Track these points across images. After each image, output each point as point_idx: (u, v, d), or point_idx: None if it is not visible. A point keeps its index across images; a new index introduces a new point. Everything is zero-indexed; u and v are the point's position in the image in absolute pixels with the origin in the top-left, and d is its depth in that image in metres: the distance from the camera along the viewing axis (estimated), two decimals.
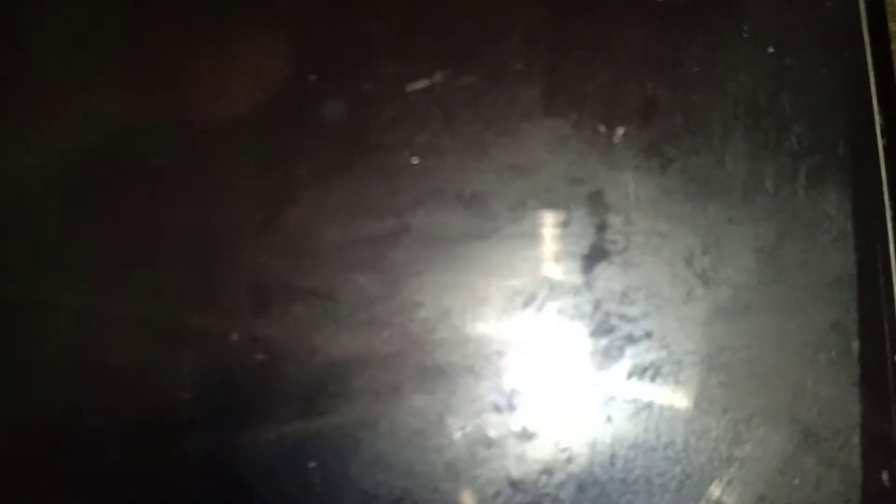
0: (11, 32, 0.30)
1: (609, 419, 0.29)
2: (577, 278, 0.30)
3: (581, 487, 0.29)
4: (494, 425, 0.29)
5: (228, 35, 0.30)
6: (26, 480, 0.29)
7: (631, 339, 0.30)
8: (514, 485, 0.29)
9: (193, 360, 0.28)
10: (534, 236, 0.30)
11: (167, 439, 0.28)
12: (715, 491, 0.29)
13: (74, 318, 0.29)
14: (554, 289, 0.30)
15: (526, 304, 0.30)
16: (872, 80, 0.32)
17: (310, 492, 0.28)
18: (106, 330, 0.29)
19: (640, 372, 0.30)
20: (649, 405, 0.29)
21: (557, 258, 0.30)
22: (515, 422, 0.29)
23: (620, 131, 0.31)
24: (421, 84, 0.30)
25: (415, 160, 0.30)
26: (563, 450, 0.29)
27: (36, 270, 0.29)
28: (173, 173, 0.29)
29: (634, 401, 0.29)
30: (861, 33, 0.32)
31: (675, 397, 0.30)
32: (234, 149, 0.30)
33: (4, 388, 0.29)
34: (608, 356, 0.30)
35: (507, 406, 0.29)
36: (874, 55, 0.32)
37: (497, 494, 0.29)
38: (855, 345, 0.30)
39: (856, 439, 0.30)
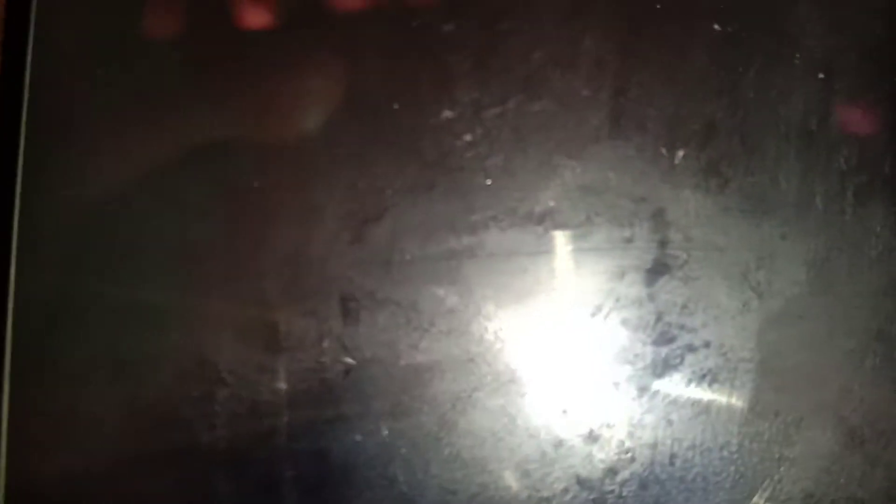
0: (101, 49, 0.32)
1: (669, 422, 0.30)
2: (640, 291, 0.31)
3: (643, 485, 0.30)
4: (562, 427, 0.30)
5: (323, 64, 0.31)
6: (124, 471, 0.30)
7: (690, 348, 0.30)
8: (581, 483, 0.30)
9: (288, 364, 0.30)
10: (600, 251, 0.31)
11: (262, 435, 0.30)
12: (766, 489, 0.30)
13: (183, 323, 0.30)
14: (619, 301, 0.31)
15: (593, 315, 0.31)
16: None
17: (393, 487, 0.29)
18: (211, 334, 0.30)
19: (698, 378, 0.30)
20: (707, 409, 0.30)
21: (622, 272, 0.31)
22: (582, 425, 0.30)
23: (681, 153, 0.31)
24: (495, 110, 0.31)
25: (489, 181, 0.31)
26: (627, 451, 0.30)
27: (150, 278, 0.30)
28: (272, 194, 0.30)
29: (693, 405, 0.30)
30: None
31: (730, 402, 0.30)
32: (326, 171, 0.31)
33: (109, 384, 0.30)
34: (669, 364, 0.30)
35: (574, 410, 0.30)
36: None
37: (565, 491, 0.30)
38: None
39: None
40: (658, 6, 0.32)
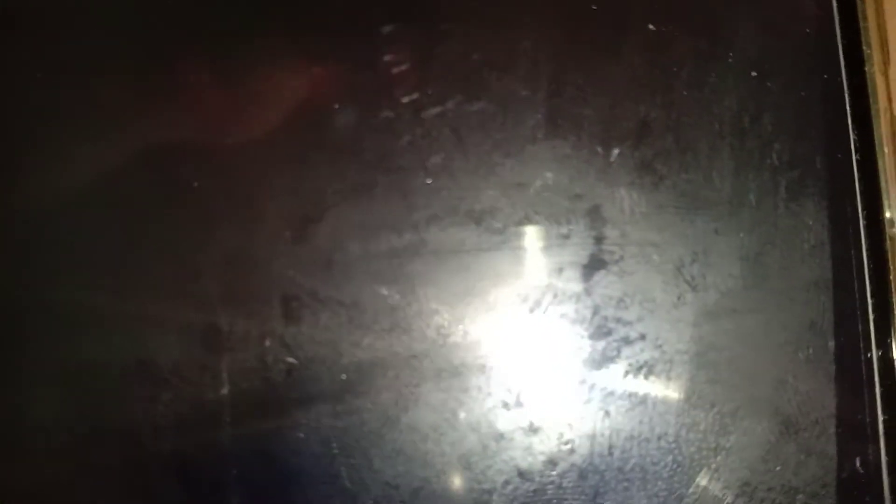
0: (49, 57, 0.32)
1: (607, 414, 0.31)
2: (577, 286, 0.31)
3: (582, 476, 0.30)
4: (503, 420, 0.30)
5: (265, 69, 0.31)
6: (70, 473, 0.30)
7: (627, 341, 0.31)
8: (522, 474, 0.30)
9: (231, 363, 0.30)
10: (538, 248, 0.31)
11: (205, 433, 0.30)
12: (703, 478, 0.31)
13: (124, 325, 0.30)
14: (556, 295, 0.31)
15: (531, 310, 0.31)
16: (847, 100, 0.33)
17: (337, 483, 0.30)
18: (153, 336, 0.30)
19: (635, 371, 0.31)
20: (644, 401, 0.31)
21: (560, 268, 0.31)
22: (522, 417, 0.31)
23: (616, 151, 0.32)
24: (435, 111, 0.31)
25: (429, 180, 0.31)
26: (566, 442, 0.30)
27: (90, 281, 0.30)
28: (213, 194, 0.30)
29: (630, 397, 0.31)
30: (837, 57, 0.33)
31: (667, 393, 0.31)
32: (267, 171, 0.31)
33: (53, 387, 0.30)
34: (606, 356, 0.31)
35: (514, 403, 0.31)
36: (849, 77, 0.33)
37: (506, 483, 0.30)
38: (831, 343, 0.31)
39: (832, 429, 0.31)
40: (593, 7, 0.33)
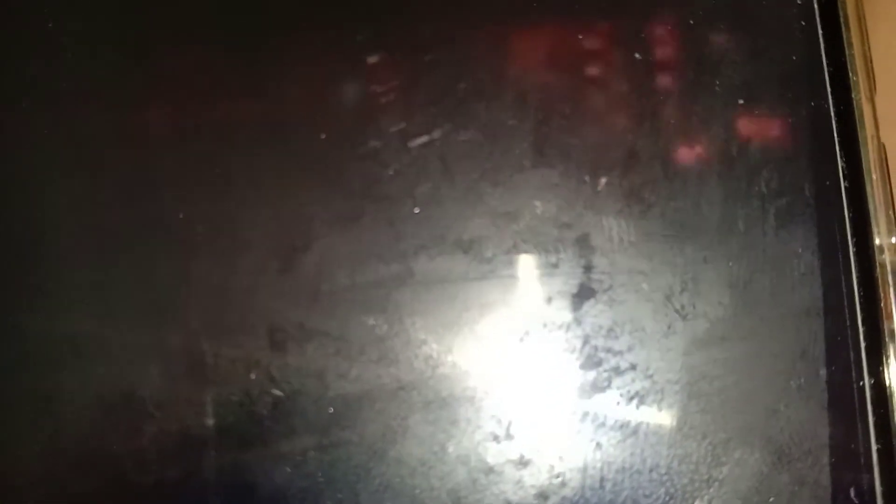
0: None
1: (598, 445, 0.30)
2: (566, 315, 0.31)
3: None
4: (493, 453, 0.30)
5: (251, 99, 0.31)
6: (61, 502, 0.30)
7: (617, 371, 0.31)
8: None
9: (215, 396, 0.30)
10: (526, 277, 0.31)
11: (190, 469, 0.30)
12: None
13: (109, 357, 0.30)
14: (546, 325, 0.31)
15: (520, 340, 0.31)
16: (835, 127, 0.33)
17: None
18: (137, 368, 0.30)
19: (626, 401, 0.31)
20: (635, 431, 0.30)
21: (548, 297, 0.31)
22: (512, 450, 0.30)
23: (604, 180, 0.32)
24: (422, 140, 0.31)
25: (417, 209, 0.31)
26: (557, 475, 0.30)
27: (75, 310, 0.30)
28: (197, 225, 0.30)
29: (621, 428, 0.30)
30: (824, 84, 0.33)
31: (658, 423, 0.31)
32: (253, 202, 0.31)
33: (36, 417, 0.30)
34: (596, 387, 0.31)
35: (504, 435, 0.30)
36: (836, 104, 0.33)
37: None
38: (823, 371, 0.31)
39: (825, 459, 0.31)
40: (580, 37, 0.33)
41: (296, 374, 0.30)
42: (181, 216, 0.30)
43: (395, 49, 0.32)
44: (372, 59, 0.32)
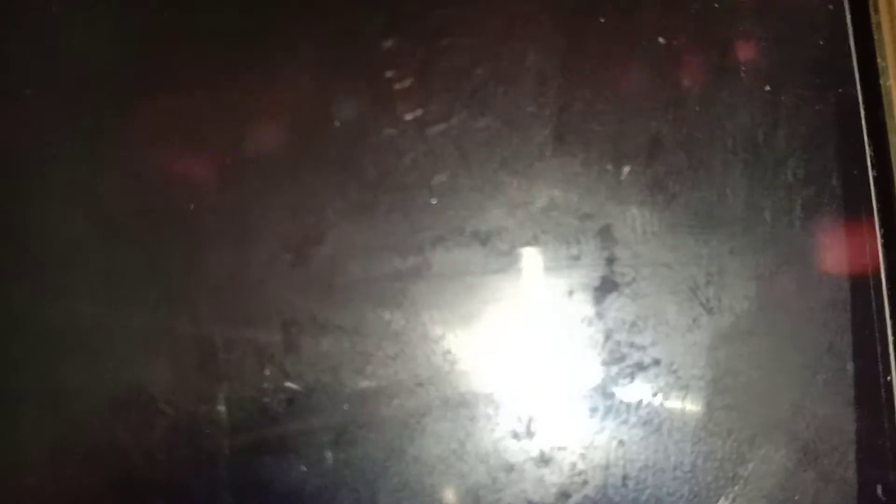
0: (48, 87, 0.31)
1: (621, 443, 0.30)
2: (588, 309, 0.30)
3: None
4: (513, 451, 0.30)
5: (262, 86, 0.31)
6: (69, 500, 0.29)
7: (640, 366, 0.30)
8: None
9: (228, 392, 0.29)
10: (547, 269, 0.31)
11: (203, 467, 0.29)
12: None
13: (120, 351, 0.29)
14: (567, 319, 0.30)
15: (541, 335, 0.30)
16: (863, 114, 0.32)
17: None
18: (149, 362, 0.29)
19: (649, 397, 0.30)
20: (659, 428, 0.30)
21: (570, 290, 0.31)
22: (533, 447, 0.30)
23: (627, 169, 0.31)
24: (439, 128, 0.31)
25: (433, 200, 0.30)
26: (579, 473, 0.30)
27: (85, 304, 0.30)
28: (210, 217, 0.30)
29: (645, 425, 0.30)
30: (852, 70, 0.33)
31: (682, 420, 0.30)
32: (265, 192, 0.30)
33: (50, 413, 0.30)
34: (619, 383, 0.30)
35: (525, 432, 0.30)
36: (864, 90, 0.32)
37: None
38: (849, 366, 0.31)
39: (851, 455, 0.30)
40: (602, 20, 0.32)
41: (310, 369, 0.29)
42: (191, 207, 0.30)
43: (410, 33, 0.31)
44: (386, 44, 0.31)
